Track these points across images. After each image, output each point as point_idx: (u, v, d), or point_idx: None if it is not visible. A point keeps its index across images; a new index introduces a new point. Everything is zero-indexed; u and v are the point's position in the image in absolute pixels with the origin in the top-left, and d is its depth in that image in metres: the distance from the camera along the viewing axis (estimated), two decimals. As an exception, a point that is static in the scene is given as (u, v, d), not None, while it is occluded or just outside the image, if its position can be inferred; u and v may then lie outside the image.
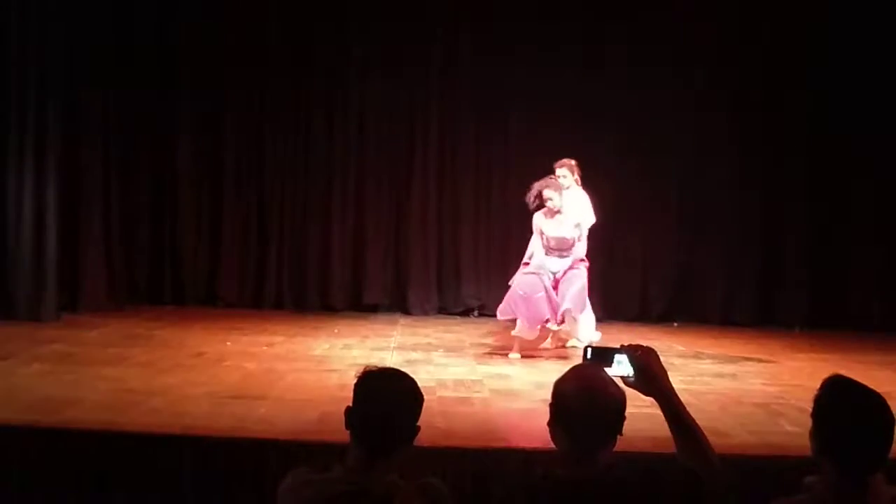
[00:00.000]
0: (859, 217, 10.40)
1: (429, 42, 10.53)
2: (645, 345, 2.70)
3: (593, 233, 8.05)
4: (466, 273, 10.63)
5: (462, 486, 4.27)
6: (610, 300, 10.06)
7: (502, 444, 4.86)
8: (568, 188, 7.83)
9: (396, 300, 10.57)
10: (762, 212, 10.58)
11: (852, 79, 10.19)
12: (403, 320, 9.94)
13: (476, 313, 10.51)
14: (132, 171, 10.21)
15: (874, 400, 2.50)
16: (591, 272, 7.94)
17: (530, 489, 2.54)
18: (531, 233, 7.89)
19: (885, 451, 2.48)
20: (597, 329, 8.06)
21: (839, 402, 2.53)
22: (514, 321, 7.75)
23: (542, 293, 7.52)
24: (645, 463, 2.67)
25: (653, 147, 10.38)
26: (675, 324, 10.22)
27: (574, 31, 10.50)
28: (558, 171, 7.96)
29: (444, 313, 10.48)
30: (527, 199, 7.71)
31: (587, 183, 8.13)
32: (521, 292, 7.56)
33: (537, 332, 7.66)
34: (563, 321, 7.62)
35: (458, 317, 10.38)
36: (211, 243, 10.45)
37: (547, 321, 7.55)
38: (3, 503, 4.44)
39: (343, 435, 2.63)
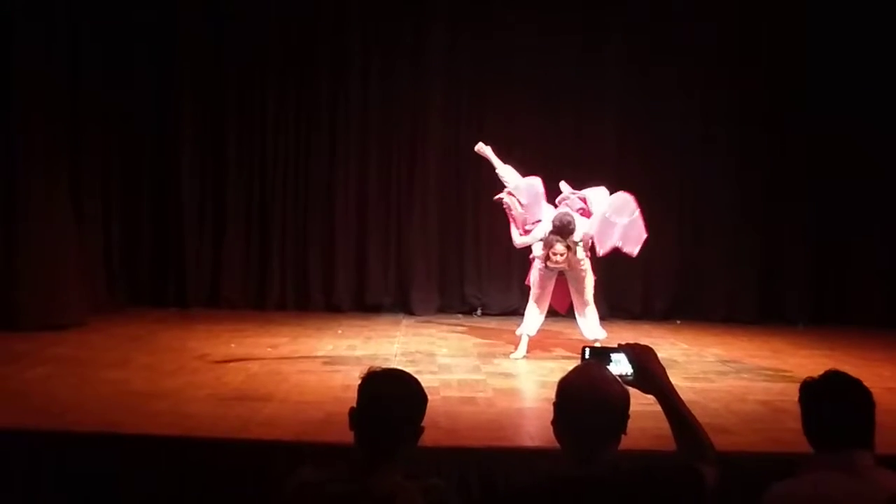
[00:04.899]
0: (862, 213, 10.38)
1: (429, 35, 10.50)
2: (643, 343, 2.71)
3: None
4: (469, 272, 10.62)
5: (466, 486, 4.27)
6: (613, 298, 10.06)
7: (506, 444, 4.86)
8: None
9: (400, 300, 10.57)
10: (764, 209, 10.57)
11: (855, 77, 10.17)
12: (407, 320, 9.93)
13: (479, 312, 10.50)
14: (134, 173, 10.22)
15: (849, 381, 2.69)
16: (594, 270, 7.85)
17: (535, 488, 2.54)
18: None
19: (859, 427, 2.63)
20: (601, 327, 8.04)
21: (817, 384, 2.71)
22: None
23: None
24: (648, 461, 2.68)
25: (655, 144, 10.37)
26: (678, 322, 10.21)
27: (574, 28, 10.48)
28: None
29: (448, 313, 10.47)
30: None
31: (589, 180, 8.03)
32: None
33: (542, 318, 7.65)
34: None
35: (461, 316, 10.38)
36: (214, 245, 10.45)
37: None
38: (8, 507, 4.45)
39: (347, 436, 2.64)
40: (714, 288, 10.55)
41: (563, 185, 7.89)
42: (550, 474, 2.54)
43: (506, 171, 7.96)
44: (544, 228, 7.43)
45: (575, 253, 7.28)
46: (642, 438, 3.73)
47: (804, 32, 10.35)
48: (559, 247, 7.22)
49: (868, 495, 2.49)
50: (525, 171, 7.97)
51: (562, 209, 7.52)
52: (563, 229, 7.28)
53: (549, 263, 7.34)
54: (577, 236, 7.34)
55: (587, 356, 2.74)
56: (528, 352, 7.63)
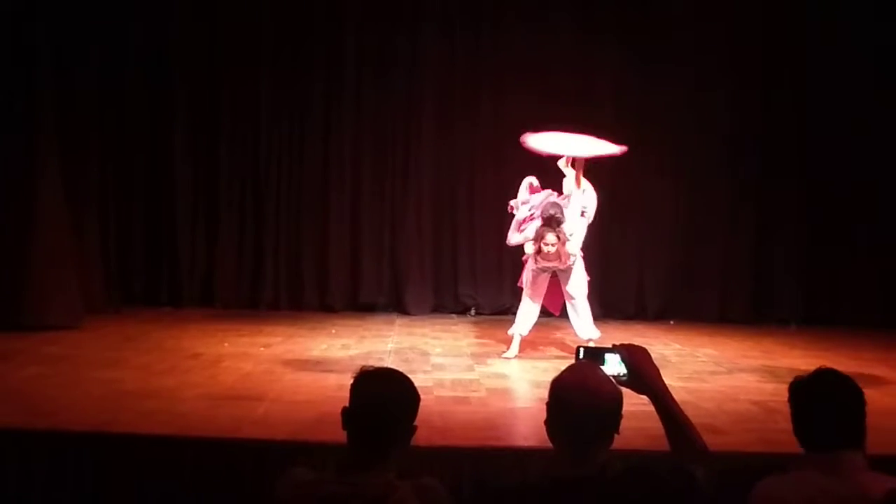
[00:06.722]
0: (855, 214, 10.39)
1: (424, 36, 10.49)
2: (637, 344, 2.72)
3: (589, 230, 7.97)
4: (463, 272, 10.63)
5: (459, 486, 4.27)
6: (607, 298, 10.06)
7: (500, 444, 4.86)
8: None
9: (393, 300, 10.56)
10: (758, 209, 10.58)
11: (852, 77, 10.17)
12: (400, 320, 9.93)
13: (473, 312, 10.51)
14: (128, 173, 10.21)
15: (838, 380, 2.65)
16: (587, 271, 7.85)
17: (527, 488, 2.54)
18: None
19: (849, 426, 2.59)
20: (595, 326, 8.04)
21: (806, 382, 2.68)
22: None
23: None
24: (641, 461, 2.68)
25: (649, 144, 10.36)
26: (672, 322, 10.23)
27: (571, 28, 10.50)
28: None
29: (441, 313, 10.47)
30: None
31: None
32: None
33: (535, 318, 7.67)
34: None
35: (454, 316, 10.38)
36: (207, 244, 10.45)
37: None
38: (0, 506, 4.45)
39: (341, 435, 2.64)
40: (707, 288, 10.55)
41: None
42: (543, 474, 2.54)
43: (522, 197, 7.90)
44: (535, 225, 7.45)
45: (564, 244, 7.30)
46: (635, 438, 3.73)
47: (804, 32, 10.31)
48: (550, 237, 7.25)
49: (853, 500, 2.44)
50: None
51: (549, 201, 7.55)
52: (551, 220, 7.34)
53: (540, 258, 7.36)
54: (567, 228, 7.36)
55: (581, 356, 2.74)
56: (521, 351, 7.63)
